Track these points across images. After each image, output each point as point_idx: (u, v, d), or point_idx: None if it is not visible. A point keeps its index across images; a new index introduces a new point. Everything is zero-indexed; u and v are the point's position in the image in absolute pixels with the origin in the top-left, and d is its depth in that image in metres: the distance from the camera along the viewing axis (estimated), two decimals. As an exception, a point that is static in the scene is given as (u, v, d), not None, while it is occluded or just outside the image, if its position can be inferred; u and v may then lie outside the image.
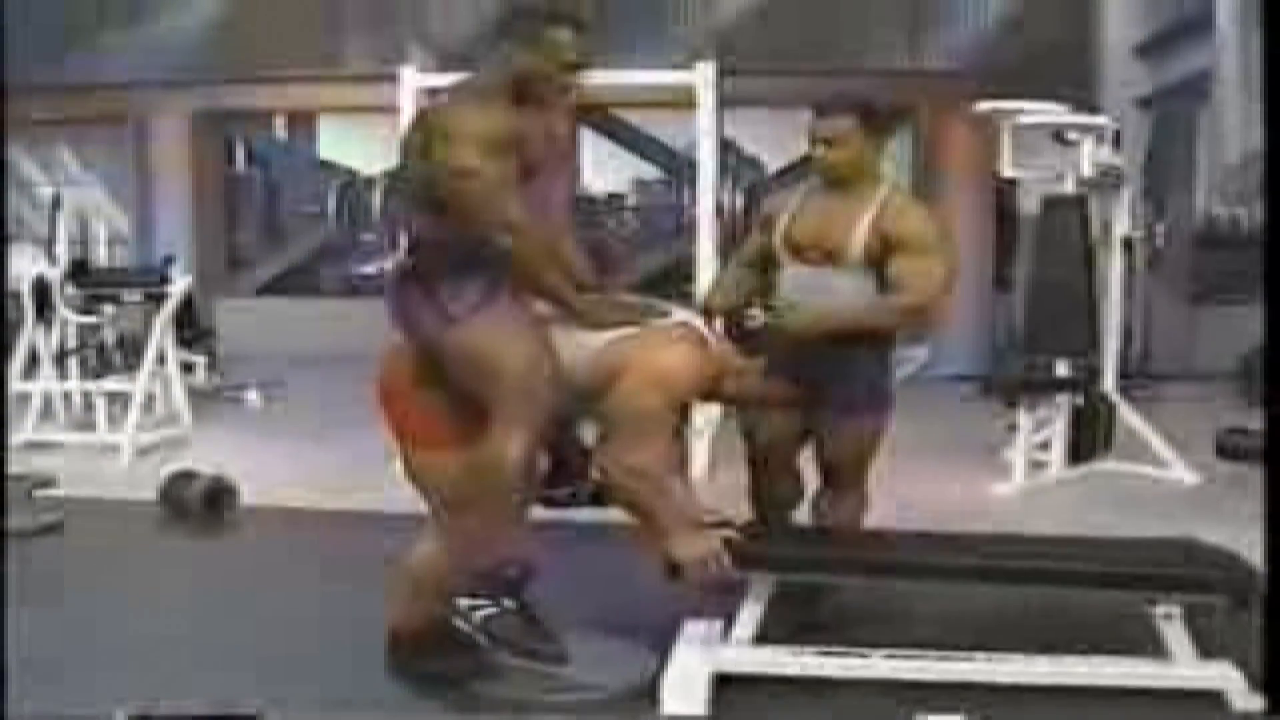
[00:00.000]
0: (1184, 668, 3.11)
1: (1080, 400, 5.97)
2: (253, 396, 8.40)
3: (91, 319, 7.13)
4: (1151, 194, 9.41)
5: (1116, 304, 6.21)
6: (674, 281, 9.67)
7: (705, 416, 5.53)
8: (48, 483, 5.13)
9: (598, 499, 3.24)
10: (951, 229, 3.80)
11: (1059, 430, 5.90)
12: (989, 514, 5.14)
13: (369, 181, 12.20)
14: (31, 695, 2.89)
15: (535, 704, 3.12)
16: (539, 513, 3.23)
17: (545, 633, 3.15)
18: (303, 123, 13.49)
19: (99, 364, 7.24)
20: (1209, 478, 5.70)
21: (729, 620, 3.28)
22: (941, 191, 9.72)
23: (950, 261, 3.48)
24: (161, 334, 6.86)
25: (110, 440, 6.43)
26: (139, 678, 3.30)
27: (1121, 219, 6.26)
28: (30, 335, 6.77)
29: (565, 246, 3.18)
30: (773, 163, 12.41)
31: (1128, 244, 6.44)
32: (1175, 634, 3.12)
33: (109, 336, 7.41)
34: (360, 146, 12.66)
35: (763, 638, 3.26)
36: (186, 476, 5.24)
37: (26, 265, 6.82)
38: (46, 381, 6.85)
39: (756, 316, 3.25)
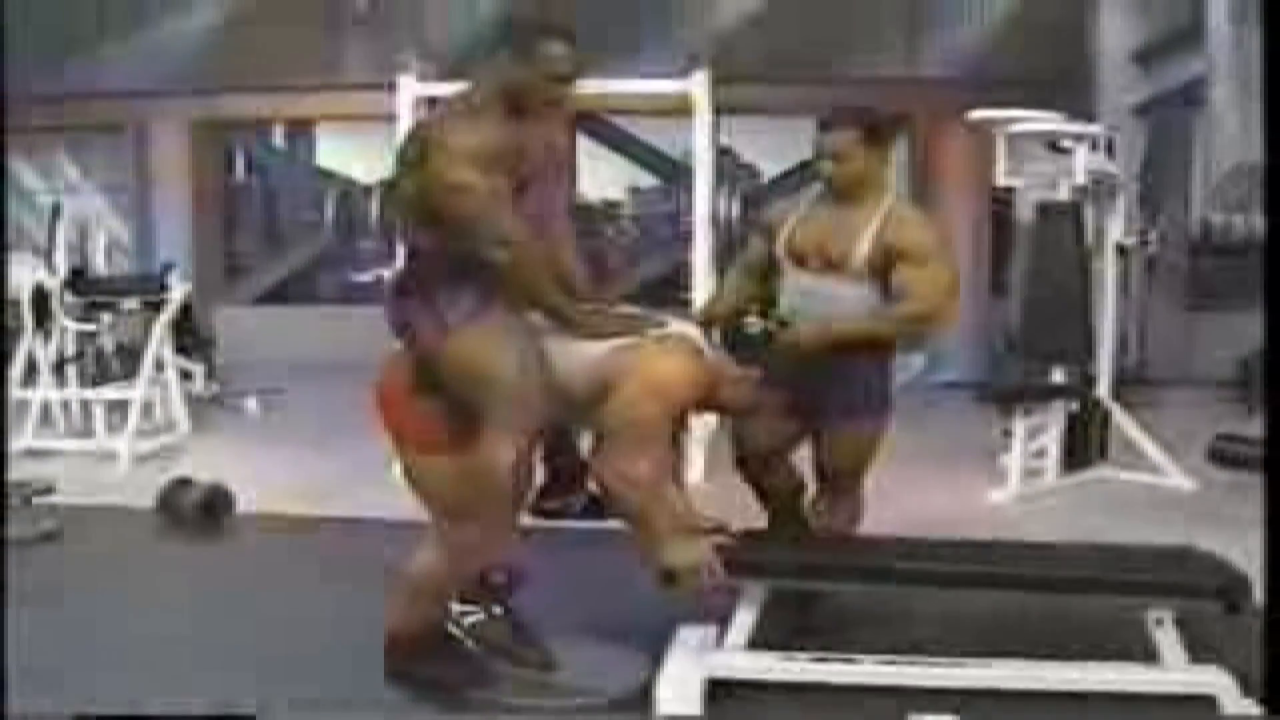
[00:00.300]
0: (1176, 673, 3.12)
1: (1075, 407, 5.99)
2: (251, 404, 8.41)
3: (90, 327, 7.14)
4: (1148, 201, 9.42)
5: (1111, 310, 6.23)
6: (672, 289, 9.70)
7: (702, 423, 5.54)
8: (46, 490, 5.15)
9: (593, 511, 3.26)
10: (949, 237, 3.83)
11: (1054, 437, 5.92)
12: (984, 520, 5.16)
13: (367, 190, 12.22)
14: (31, 697, 2.91)
15: (532, 709, 3.14)
16: (536, 519, 3.26)
17: (530, 639, 3.20)
18: (301, 131, 13.51)
19: (98, 372, 7.25)
20: (1205, 484, 5.72)
21: (723, 626, 3.30)
22: (938, 198, 9.75)
23: (954, 270, 3.52)
24: (160, 342, 6.88)
25: (109, 447, 6.44)
26: (138, 680, 3.31)
27: (1116, 226, 6.28)
28: (29, 343, 6.79)
29: (564, 257, 3.21)
30: (770, 170, 12.46)
31: (1122, 250, 6.46)
32: (1167, 639, 3.13)
33: (108, 344, 7.42)
34: (358, 155, 12.68)
35: (756, 643, 3.27)
36: (184, 484, 5.26)
37: (26, 273, 6.83)
38: (45, 389, 6.86)
39: (754, 324, 3.27)
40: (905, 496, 5.10)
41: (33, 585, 3.82)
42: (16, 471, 5.15)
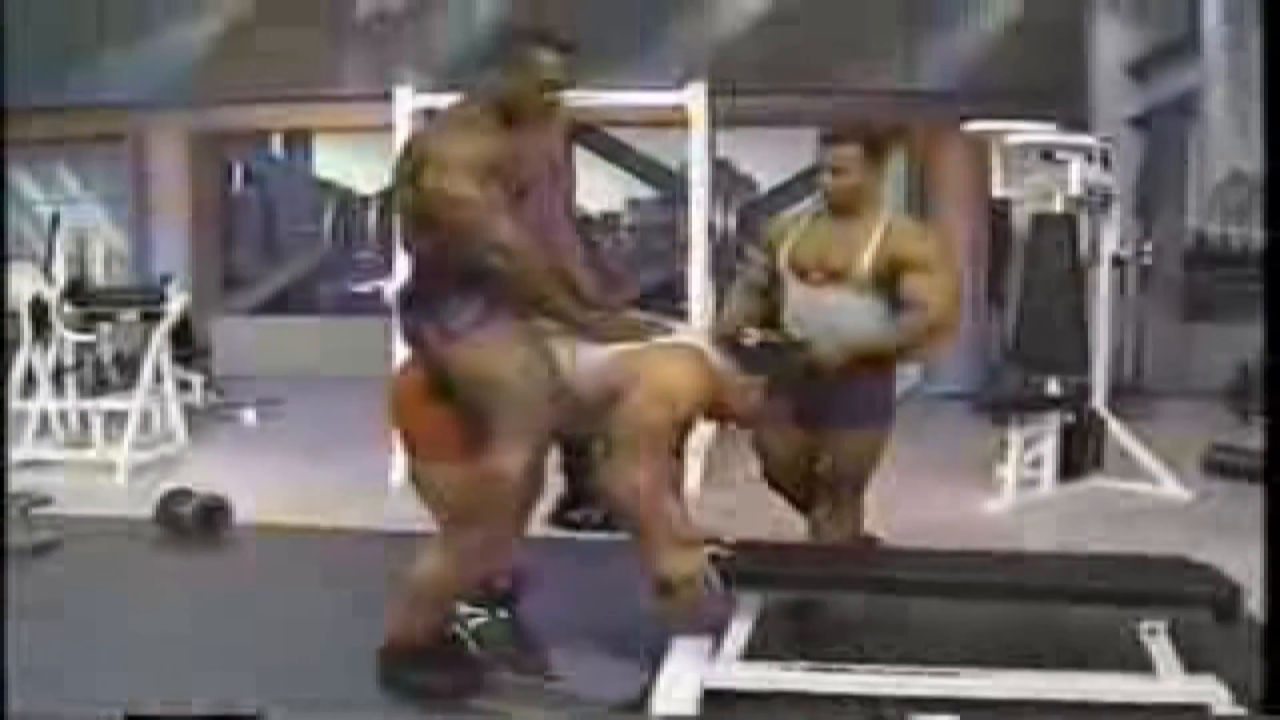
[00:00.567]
0: (1169, 682, 3.13)
1: (1071, 417, 6.01)
2: (249, 415, 8.42)
3: (89, 337, 7.14)
4: (1144, 212, 9.45)
5: (1107, 321, 6.25)
6: (668, 299, 9.70)
7: (699, 434, 5.55)
8: (44, 501, 5.15)
9: (611, 523, 3.27)
10: (950, 246, 3.87)
11: (1050, 447, 5.93)
12: (980, 530, 5.17)
13: (365, 200, 12.24)
14: (31, 698, 2.93)
15: (530, 716, 3.15)
16: (540, 526, 3.27)
17: (530, 644, 3.21)
18: (299, 142, 13.53)
19: (96, 382, 7.26)
20: (1200, 494, 5.73)
21: (719, 635, 3.31)
22: (935, 209, 9.77)
23: (958, 277, 3.56)
24: (158, 352, 6.88)
25: (107, 458, 6.44)
26: (136, 685, 3.32)
27: (1112, 237, 6.30)
28: (28, 354, 6.79)
29: (570, 262, 3.22)
30: (767, 181, 12.47)
31: (1118, 261, 6.48)
32: (1161, 649, 3.14)
33: (106, 355, 7.44)
34: (357, 166, 12.70)
35: (752, 653, 3.28)
36: (182, 494, 5.26)
37: (25, 283, 6.84)
38: (44, 400, 6.86)
39: (752, 335, 3.29)
40: (901, 506, 5.11)
41: (30, 596, 3.83)
42: (14, 482, 5.15)
